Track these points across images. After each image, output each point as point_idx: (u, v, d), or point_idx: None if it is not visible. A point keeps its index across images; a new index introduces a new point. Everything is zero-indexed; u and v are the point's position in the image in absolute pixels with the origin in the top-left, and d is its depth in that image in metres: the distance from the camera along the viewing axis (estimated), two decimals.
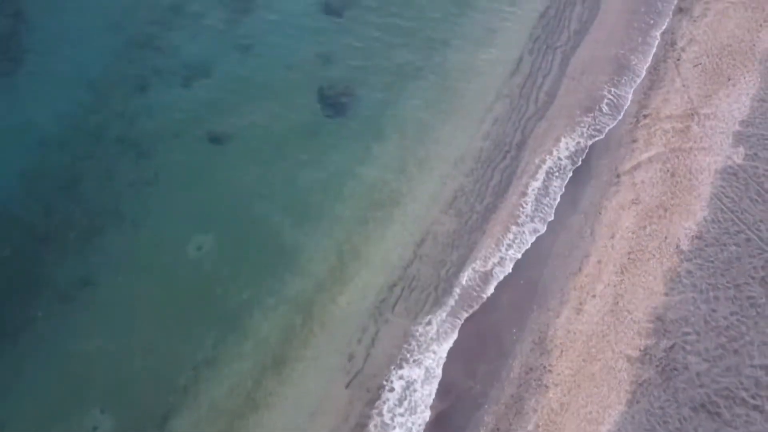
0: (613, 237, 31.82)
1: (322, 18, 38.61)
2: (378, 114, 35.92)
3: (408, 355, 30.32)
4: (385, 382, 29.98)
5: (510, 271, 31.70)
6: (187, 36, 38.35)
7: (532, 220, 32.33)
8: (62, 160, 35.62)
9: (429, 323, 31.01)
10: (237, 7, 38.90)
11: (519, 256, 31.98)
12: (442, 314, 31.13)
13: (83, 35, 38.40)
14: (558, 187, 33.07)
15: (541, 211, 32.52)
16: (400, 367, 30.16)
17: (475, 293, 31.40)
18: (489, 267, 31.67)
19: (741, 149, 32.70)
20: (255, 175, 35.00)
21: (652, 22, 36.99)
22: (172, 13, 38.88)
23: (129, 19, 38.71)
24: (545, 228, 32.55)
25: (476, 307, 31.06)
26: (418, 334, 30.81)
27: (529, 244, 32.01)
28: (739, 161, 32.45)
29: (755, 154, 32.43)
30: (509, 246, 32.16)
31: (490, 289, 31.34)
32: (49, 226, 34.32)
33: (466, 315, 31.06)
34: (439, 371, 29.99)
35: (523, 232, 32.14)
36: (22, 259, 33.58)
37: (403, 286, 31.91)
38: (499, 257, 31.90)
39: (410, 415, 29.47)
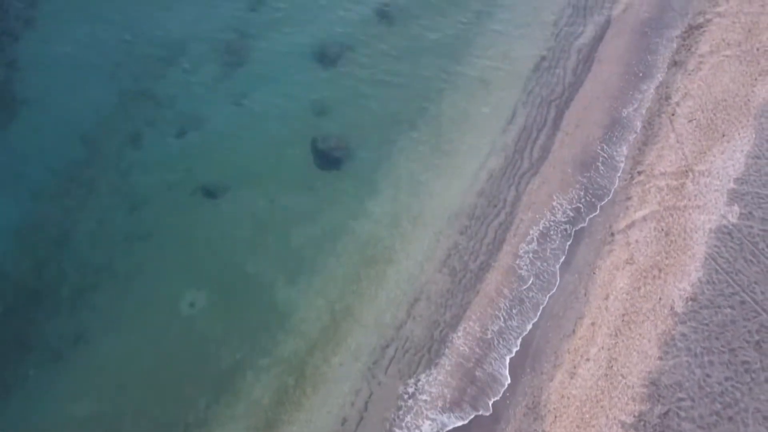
0: (607, 298, 31.65)
1: (316, 68, 38.53)
2: (372, 167, 35.82)
3: (401, 420, 30.12)
4: None
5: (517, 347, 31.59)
6: (181, 87, 38.26)
7: (529, 289, 32.20)
8: (55, 214, 35.54)
9: (422, 385, 30.83)
10: (230, 59, 38.82)
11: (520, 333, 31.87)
12: (436, 376, 30.96)
13: (77, 86, 38.30)
14: (553, 249, 32.91)
15: (540, 278, 32.35)
16: None
17: (469, 362, 31.27)
18: (489, 336, 31.53)
19: (736, 208, 32.56)
20: (248, 230, 34.89)
21: (646, 74, 36.88)
22: (166, 63, 38.80)
23: (123, 70, 38.61)
24: (546, 299, 32.35)
25: (470, 368, 30.93)
26: (411, 396, 30.64)
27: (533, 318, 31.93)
28: (733, 220, 32.31)
29: (750, 212, 32.29)
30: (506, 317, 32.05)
31: (489, 359, 31.25)
32: (41, 281, 34.19)
33: (459, 377, 30.90)
34: None
35: (522, 300, 32.02)
36: (13, 315, 33.43)
37: (396, 347, 31.72)
38: (498, 327, 31.79)
39: None
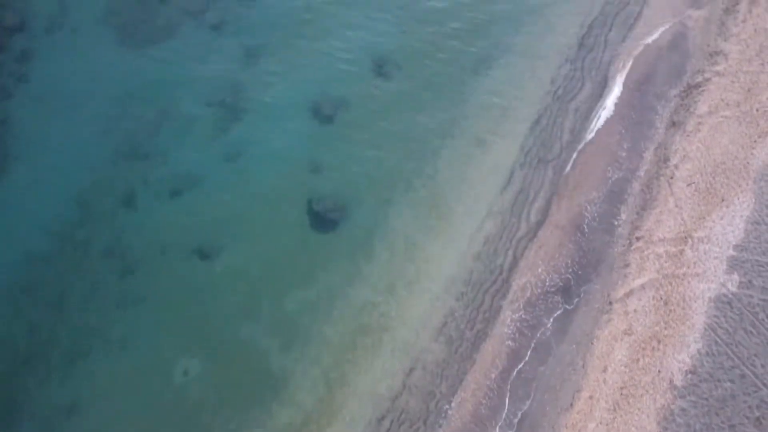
0: (605, 370, 31.25)
1: (312, 125, 38.18)
2: (367, 230, 35.45)
3: None
4: None
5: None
6: (175, 144, 37.92)
7: (525, 361, 31.79)
8: (47, 276, 35.20)
9: None
10: (225, 115, 38.49)
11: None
12: None
13: (70, 143, 37.97)
14: (550, 318, 32.53)
15: (536, 349, 31.94)
16: None
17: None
18: (485, 409, 31.11)
19: (735, 276, 32.17)
20: (242, 294, 34.53)
21: (645, 135, 36.51)
22: (160, 119, 38.46)
23: (117, 127, 38.27)
24: (543, 370, 31.93)
25: None
26: None
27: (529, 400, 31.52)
28: (733, 289, 31.91)
29: (750, 281, 31.90)
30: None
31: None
32: (33, 345, 33.84)
33: None
34: None
35: (519, 372, 31.60)
36: (4, 381, 33.10)
37: (391, 419, 31.34)
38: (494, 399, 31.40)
39: None
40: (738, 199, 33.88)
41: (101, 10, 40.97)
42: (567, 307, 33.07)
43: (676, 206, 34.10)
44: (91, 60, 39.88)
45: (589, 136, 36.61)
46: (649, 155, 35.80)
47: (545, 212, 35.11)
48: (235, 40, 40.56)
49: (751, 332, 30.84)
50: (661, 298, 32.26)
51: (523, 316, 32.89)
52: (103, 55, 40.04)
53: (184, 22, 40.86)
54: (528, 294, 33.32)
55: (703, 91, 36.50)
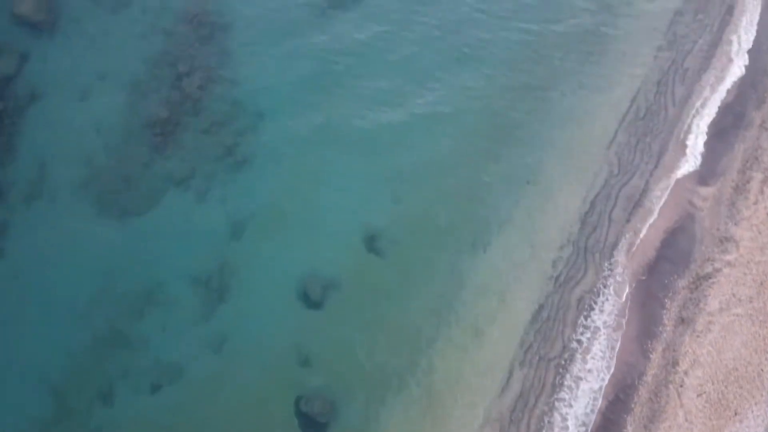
0: None
1: (301, 310, 36.20)
2: None
3: None
4: None
5: None
6: (157, 330, 35.92)
7: None
8: None
9: None
10: (211, 296, 36.62)
11: None
12: None
13: (46, 327, 35.93)
14: None
15: None
16: None
17: None
18: None
19: None
20: None
21: (651, 333, 34.52)
22: (142, 301, 36.55)
23: (96, 310, 36.27)
24: None
25: None
26: None
27: None
28: None
29: None
30: None
31: None
32: None
33: None
34: None
35: None
36: None
37: None
38: None
39: None
40: (752, 412, 31.86)
41: (82, 176, 39.15)
42: None
43: (686, 420, 32.04)
44: (70, 233, 37.95)
45: (592, 332, 34.62)
46: (656, 357, 33.76)
47: (547, 421, 33.06)
48: (220, 210, 38.72)
49: None
50: None
51: None
52: (83, 227, 38.09)
53: (167, 190, 39.06)
54: None
55: (713, 283, 34.56)
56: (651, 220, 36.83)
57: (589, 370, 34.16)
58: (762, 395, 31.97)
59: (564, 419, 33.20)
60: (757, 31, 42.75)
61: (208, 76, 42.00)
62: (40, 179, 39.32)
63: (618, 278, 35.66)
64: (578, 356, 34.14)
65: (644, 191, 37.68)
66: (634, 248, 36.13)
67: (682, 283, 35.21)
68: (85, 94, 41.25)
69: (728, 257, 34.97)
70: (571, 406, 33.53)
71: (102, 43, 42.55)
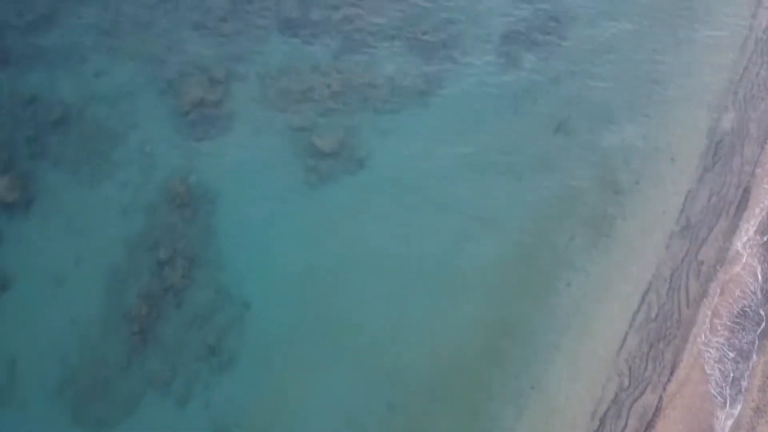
0: None
1: None
2: None
3: None
4: None
5: None
6: None
7: None
8: None
9: None
10: None
11: None
12: None
13: None
14: None
15: None
16: None
17: None
18: None
19: None
20: None
21: None
22: None
23: None
24: None
25: None
26: None
27: None
28: None
29: None
30: None
31: None
32: None
33: None
34: None
35: None
36: None
37: None
38: None
39: None
40: None
41: (55, 379, 36.58)
42: None
43: None
44: None
45: None
46: None
47: None
48: (203, 417, 35.90)
49: None
50: None
51: None
52: None
53: (146, 395, 36.49)
54: None
55: None
56: None
57: None
58: None
59: None
60: None
61: (191, 259, 39.52)
62: (11, 382, 36.74)
63: None
64: None
65: (657, 410, 35.07)
66: None
67: None
68: (60, 280, 38.79)
69: None
70: None
71: (79, 222, 40.13)
